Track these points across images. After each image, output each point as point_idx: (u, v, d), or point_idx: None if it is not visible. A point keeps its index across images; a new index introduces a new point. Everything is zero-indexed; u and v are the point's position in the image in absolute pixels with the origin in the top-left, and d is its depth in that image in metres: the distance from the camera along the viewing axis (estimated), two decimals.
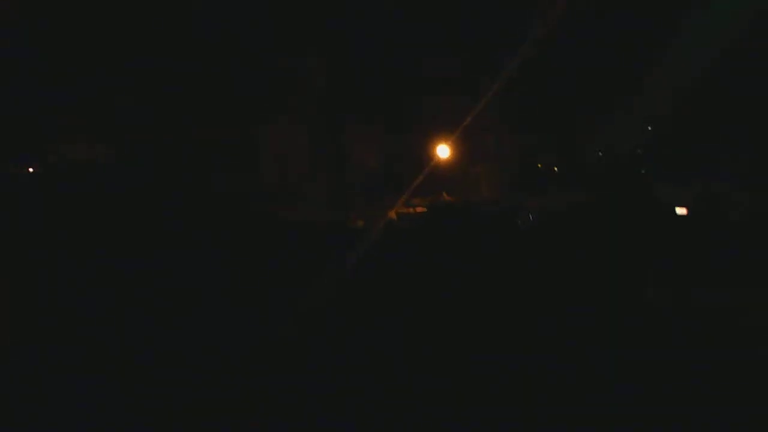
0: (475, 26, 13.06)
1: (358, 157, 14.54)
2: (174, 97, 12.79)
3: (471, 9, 13.20)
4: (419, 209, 13.30)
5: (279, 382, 5.26)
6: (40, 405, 4.95)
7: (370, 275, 8.79)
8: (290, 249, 10.31)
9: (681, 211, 11.79)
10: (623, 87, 13.26)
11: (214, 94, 13.00)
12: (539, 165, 15.36)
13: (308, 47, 13.12)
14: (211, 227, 10.74)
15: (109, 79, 12.49)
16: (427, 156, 13.92)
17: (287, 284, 8.26)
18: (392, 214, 12.60)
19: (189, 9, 12.21)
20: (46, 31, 11.79)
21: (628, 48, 13.12)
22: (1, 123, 11.97)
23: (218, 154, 13.07)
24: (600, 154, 14.70)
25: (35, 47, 11.81)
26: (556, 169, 15.28)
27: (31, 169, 12.66)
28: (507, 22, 12.74)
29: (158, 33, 12.23)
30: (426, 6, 13.34)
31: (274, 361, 5.67)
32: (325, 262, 8.83)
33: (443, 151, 14.03)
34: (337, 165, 14.12)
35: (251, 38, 12.73)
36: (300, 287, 7.95)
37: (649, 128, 14.27)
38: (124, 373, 5.50)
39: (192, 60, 12.72)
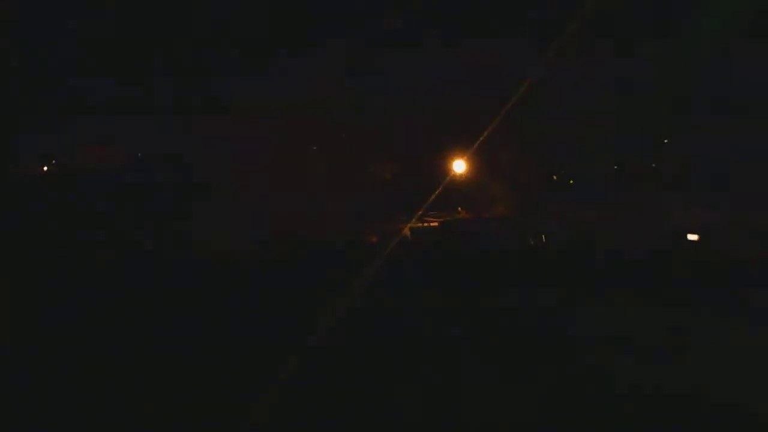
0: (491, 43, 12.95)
1: (374, 172, 14.54)
2: (190, 104, 12.79)
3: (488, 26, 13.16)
4: (433, 224, 13.31)
5: (279, 383, 5.27)
6: (40, 405, 4.95)
7: (378, 285, 8.75)
8: (301, 260, 10.34)
9: (693, 237, 10.89)
10: (639, 100, 12.96)
11: (227, 101, 12.96)
12: (554, 177, 15.23)
13: (325, 57, 13.03)
14: (218, 236, 10.73)
15: (113, 79, 12.47)
16: (443, 172, 13.86)
17: (294, 292, 8.26)
18: (406, 230, 12.56)
19: (211, 13, 12.16)
20: (46, 31, 11.76)
21: (644, 58, 12.84)
22: (3, 123, 11.96)
23: (230, 163, 12.99)
24: (615, 168, 14.47)
25: (35, 47, 11.78)
26: (571, 182, 15.10)
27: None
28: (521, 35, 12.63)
29: (178, 38, 12.18)
30: (444, 24, 13.28)
31: (274, 361, 5.67)
32: (335, 275, 8.78)
33: (459, 166, 13.95)
34: (353, 180, 14.07)
35: (265, 45, 12.69)
36: (305, 293, 7.98)
37: (666, 141, 13.92)
38: (124, 373, 5.50)
39: (205, 65, 12.70)
